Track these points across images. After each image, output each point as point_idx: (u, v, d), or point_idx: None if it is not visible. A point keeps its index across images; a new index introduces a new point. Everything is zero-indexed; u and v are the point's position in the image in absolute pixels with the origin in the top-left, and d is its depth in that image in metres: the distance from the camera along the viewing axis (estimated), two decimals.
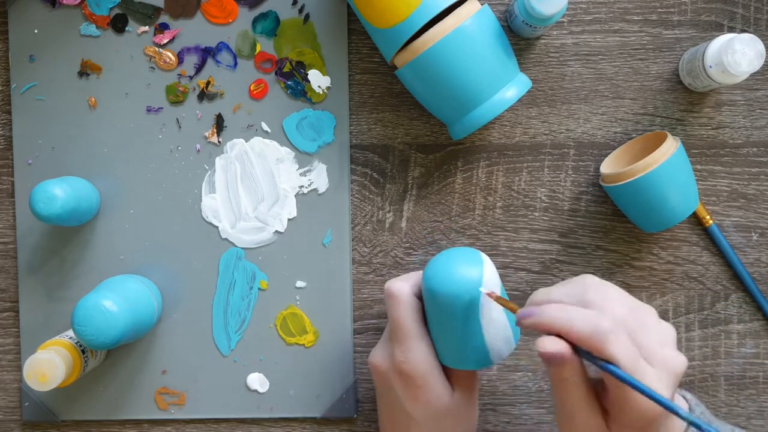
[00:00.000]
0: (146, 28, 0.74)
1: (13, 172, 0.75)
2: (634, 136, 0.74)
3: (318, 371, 0.75)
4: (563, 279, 0.75)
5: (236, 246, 0.75)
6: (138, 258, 0.75)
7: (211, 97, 0.74)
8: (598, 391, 0.58)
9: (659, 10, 0.74)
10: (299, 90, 0.74)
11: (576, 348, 0.55)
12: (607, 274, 0.75)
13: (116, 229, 0.75)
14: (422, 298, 0.65)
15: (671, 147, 0.68)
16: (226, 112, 0.74)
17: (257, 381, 0.75)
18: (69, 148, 0.74)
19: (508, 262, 0.75)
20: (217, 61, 0.74)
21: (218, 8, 0.74)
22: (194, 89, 0.74)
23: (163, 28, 0.74)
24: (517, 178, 0.75)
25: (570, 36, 0.74)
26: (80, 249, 0.75)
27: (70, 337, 0.70)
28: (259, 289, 0.75)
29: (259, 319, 0.75)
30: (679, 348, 0.75)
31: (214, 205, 0.75)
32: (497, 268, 0.75)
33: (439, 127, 0.75)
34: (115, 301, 0.66)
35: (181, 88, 0.74)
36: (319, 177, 0.74)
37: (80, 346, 0.69)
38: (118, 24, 0.74)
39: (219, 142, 0.74)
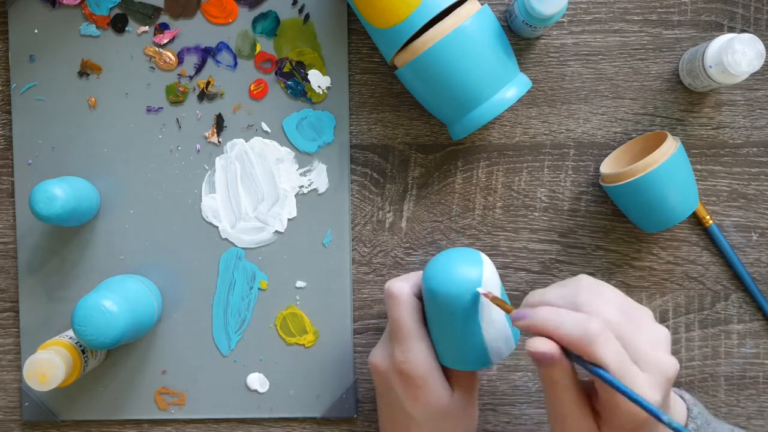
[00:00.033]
0: (146, 28, 0.74)
1: (13, 172, 0.75)
2: (634, 136, 0.74)
3: (318, 371, 0.75)
4: (563, 279, 0.75)
5: (236, 246, 0.75)
6: (138, 258, 0.75)
7: (211, 97, 0.74)
8: (590, 393, 0.58)
9: (659, 10, 0.74)
10: (299, 90, 0.74)
11: (567, 351, 0.55)
12: (607, 274, 0.75)
13: (116, 229, 0.75)
14: (422, 298, 0.65)
15: (671, 147, 0.68)
16: (226, 112, 0.74)
17: (257, 381, 0.75)
18: (69, 148, 0.74)
19: (508, 262, 0.75)
20: (217, 61, 0.74)
21: (218, 8, 0.74)
22: (194, 89, 0.74)
23: (163, 28, 0.74)
24: (517, 178, 0.75)
25: (570, 36, 0.74)
26: (80, 249, 0.75)
27: (70, 337, 0.70)
28: (259, 289, 0.75)
29: (259, 319, 0.75)
30: (679, 348, 0.75)
31: (214, 205, 0.75)
32: (497, 268, 0.75)
33: (439, 127, 0.75)
34: (115, 301, 0.66)
35: (181, 88, 0.74)
36: (319, 177, 0.74)
37: (80, 346, 0.69)
38: (118, 24, 0.74)
39: (219, 142, 0.74)
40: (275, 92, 0.74)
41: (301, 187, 0.74)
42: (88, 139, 0.74)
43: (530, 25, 0.69)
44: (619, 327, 0.56)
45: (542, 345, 0.55)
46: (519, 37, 0.74)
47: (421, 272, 0.66)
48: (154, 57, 0.74)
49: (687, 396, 0.65)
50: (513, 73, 0.68)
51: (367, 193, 0.75)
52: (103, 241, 0.75)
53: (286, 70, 0.74)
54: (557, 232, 0.75)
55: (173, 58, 0.74)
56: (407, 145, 0.75)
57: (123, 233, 0.75)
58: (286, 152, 0.74)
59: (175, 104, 0.74)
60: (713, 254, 0.75)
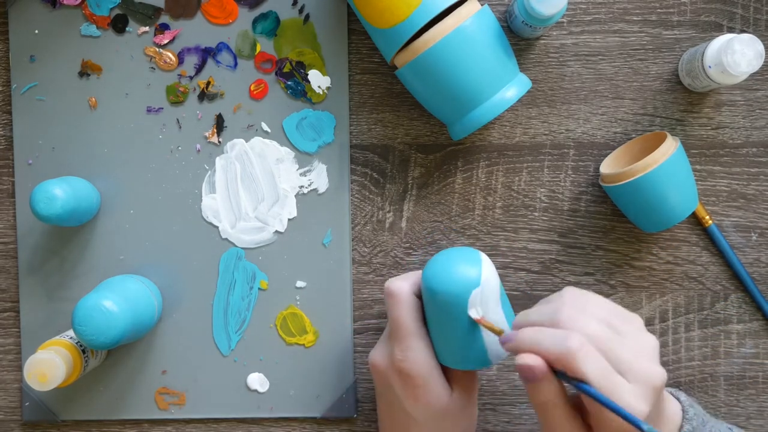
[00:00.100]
0: (146, 28, 0.74)
1: (14, 172, 0.75)
2: (633, 136, 0.75)
3: (318, 371, 0.75)
4: (563, 279, 0.75)
5: (236, 246, 0.75)
6: (138, 258, 0.75)
7: (211, 97, 0.74)
8: (583, 410, 0.58)
9: (659, 10, 0.74)
10: (299, 90, 0.74)
11: (555, 370, 0.56)
12: (607, 274, 0.75)
13: (116, 229, 0.75)
14: (422, 297, 0.65)
15: (671, 147, 0.69)
16: (226, 112, 0.74)
17: (257, 381, 0.75)
18: (69, 148, 0.74)
19: (508, 262, 0.75)
20: (217, 62, 0.74)
21: (218, 8, 0.74)
22: (194, 89, 0.74)
23: (164, 28, 0.74)
24: (517, 178, 0.75)
25: (570, 36, 0.74)
26: (80, 249, 0.75)
27: (71, 337, 0.70)
28: (259, 289, 0.75)
29: (259, 319, 0.75)
30: (679, 348, 0.75)
31: (214, 205, 0.75)
32: (497, 268, 0.75)
33: (439, 127, 0.75)
34: (115, 301, 0.66)
35: (181, 89, 0.74)
36: (319, 177, 0.74)
37: (80, 346, 0.69)
38: (119, 24, 0.74)
39: (219, 142, 0.74)
40: (275, 92, 0.74)
41: (301, 187, 0.75)
42: (88, 140, 0.74)
43: (530, 26, 0.69)
44: (601, 340, 0.56)
45: (528, 358, 0.55)
46: (519, 37, 0.74)
47: (420, 271, 0.66)
48: (155, 57, 0.74)
49: (683, 397, 0.65)
50: (513, 73, 0.68)
51: (367, 193, 0.75)
52: (103, 241, 0.75)
53: (286, 70, 0.74)
54: (557, 232, 0.75)
55: (173, 58, 0.74)
56: (407, 145, 0.75)
57: (123, 233, 0.75)
58: (286, 152, 0.74)
59: (176, 104, 0.74)
60: (713, 254, 0.75)
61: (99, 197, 0.74)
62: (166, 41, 0.74)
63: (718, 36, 0.70)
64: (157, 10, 0.74)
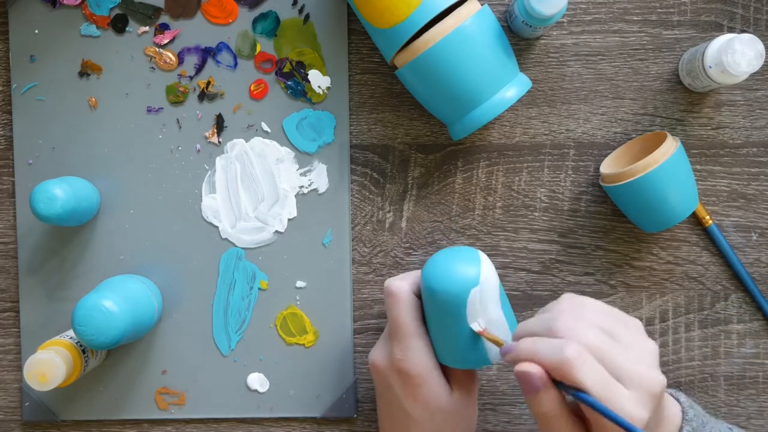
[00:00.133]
0: (146, 28, 0.74)
1: (14, 172, 0.75)
2: (634, 136, 0.74)
3: (318, 371, 0.75)
4: (563, 279, 0.75)
5: (236, 246, 0.75)
6: (138, 258, 0.75)
7: (211, 97, 0.74)
8: (584, 419, 0.58)
9: (659, 10, 0.74)
10: (299, 90, 0.74)
11: (554, 380, 0.55)
12: (607, 274, 0.75)
13: (116, 229, 0.75)
14: (421, 296, 0.65)
15: (671, 147, 0.69)
16: (226, 112, 0.74)
17: (257, 381, 0.75)
18: (69, 148, 0.74)
19: (508, 262, 0.75)
20: (217, 62, 0.74)
21: (218, 8, 0.74)
22: (194, 89, 0.74)
23: (164, 28, 0.74)
24: (517, 178, 0.75)
25: (570, 36, 0.74)
26: (80, 249, 0.75)
27: (71, 337, 0.70)
28: (259, 289, 0.75)
29: (259, 319, 0.75)
30: (679, 348, 0.75)
31: (214, 205, 0.75)
32: (497, 269, 0.75)
33: (439, 127, 0.75)
34: (115, 301, 0.66)
35: (181, 89, 0.74)
36: (319, 177, 0.74)
37: (80, 346, 0.69)
38: (119, 24, 0.74)
39: (219, 142, 0.74)
40: (275, 92, 0.74)
41: (301, 187, 0.75)
42: (88, 139, 0.74)
43: (530, 26, 0.69)
44: (599, 348, 0.55)
45: (526, 366, 0.55)
46: (519, 37, 0.74)
47: (420, 271, 0.66)
48: (155, 57, 0.74)
49: (683, 398, 0.65)
50: (513, 73, 0.68)
51: (367, 193, 0.75)
52: (103, 241, 0.75)
53: (286, 70, 0.74)
54: (557, 232, 0.75)
55: (173, 58, 0.74)
56: (407, 145, 0.75)
57: (123, 233, 0.75)
58: (286, 152, 0.74)
59: (176, 104, 0.74)
60: (713, 254, 0.75)
61: (99, 197, 0.74)
62: (166, 41, 0.74)
63: (718, 36, 0.70)
64: (157, 10, 0.74)
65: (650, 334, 0.75)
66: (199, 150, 0.74)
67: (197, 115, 0.74)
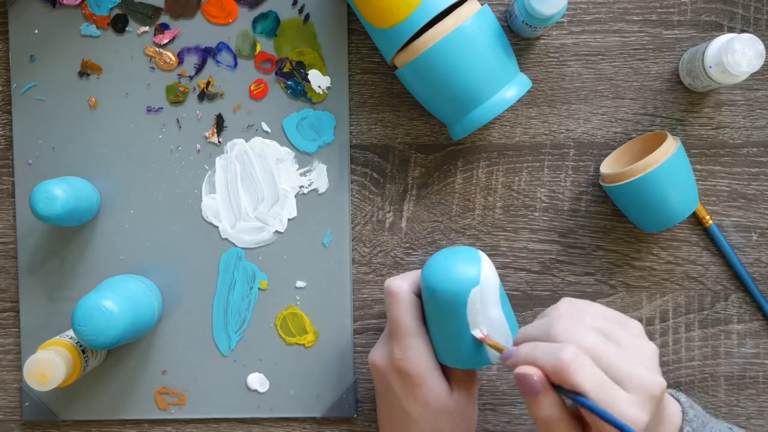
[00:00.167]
0: (146, 28, 0.74)
1: (14, 172, 0.75)
2: (634, 136, 0.74)
3: (318, 371, 0.75)
4: (563, 279, 0.75)
5: (236, 246, 0.75)
6: (138, 258, 0.75)
7: (211, 97, 0.74)
8: (585, 423, 0.58)
9: (659, 10, 0.74)
10: (299, 90, 0.74)
11: (554, 385, 0.55)
12: (607, 274, 0.75)
13: (116, 229, 0.75)
14: (421, 296, 0.65)
15: (671, 147, 0.68)
16: (226, 112, 0.74)
17: (257, 381, 0.75)
18: (69, 148, 0.74)
19: (508, 262, 0.75)
20: (217, 61, 0.74)
21: (218, 8, 0.74)
22: (194, 89, 0.74)
23: (164, 28, 0.74)
24: (517, 178, 0.75)
25: (570, 36, 0.74)
26: (80, 249, 0.75)
27: (71, 337, 0.70)
28: (259, 289, 0.75)
29: (259, 319, 0.75)
30: (679, 348, 0.75)
31: (214, 205, 0.75)
32: (497, 269, 0.75)
33: (439, 127, 0.75)
34: (115, 301, 0.66)
35: (181, 88, 0.74)
36: (319, 177, 0.74)
37: (80, 346, 0.69)
38: (119, 24, 0.74)
39: (219, 142, 0.74)
40: (275, 92, 0.74)
41: (301, 187, 0.74)
42: (88, 139, 0.74)
43: (530, 25, 0.69)
44: (598, 350, 0.55)
45: (525, 368, 0.55)
46: (519, 37, 0.74)
47: (420, 271, 0.66)
48: (155, 57, 0.74)
49: (683, 398, 0.65)
50: (513, 73, 0.68)
51: (367, 193, 0.75)
52: (103, 241, 0.75)
53: (286, 70, 0.74)
54: (557, 232, 0.75)
55: (173, 58, 0.74)
56: (407, 145, 0.75)
57: (123, 233, 0.75)
58: (286, 152, 0.74)
59: (175, 104, 0.74)
60: (713, 254, 0.75)
61: (99, 197, 0.74)
62: (166, 41, 0.74)
63: (718, 36, 0.70)
64: (157, 10, 0.74)
65: (650, 334, 0.75)
66: (199, 150, 0.74)
67: (197, 115, 0.74)
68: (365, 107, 0.75)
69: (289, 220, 0.75)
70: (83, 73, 0.74)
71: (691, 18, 0.74)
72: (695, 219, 0.75)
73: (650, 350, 0.58)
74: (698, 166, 0.74)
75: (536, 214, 0.75)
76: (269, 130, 0.74)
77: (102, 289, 0.68)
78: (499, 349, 0.60)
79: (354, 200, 0.75)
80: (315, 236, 0.75)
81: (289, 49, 0.74)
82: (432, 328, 0.64)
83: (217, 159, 0.74)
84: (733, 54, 0.66)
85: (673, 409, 0.63)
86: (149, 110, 0.74)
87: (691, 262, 0.75)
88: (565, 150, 0.75)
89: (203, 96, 0.74)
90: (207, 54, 0.74)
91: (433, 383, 0.64)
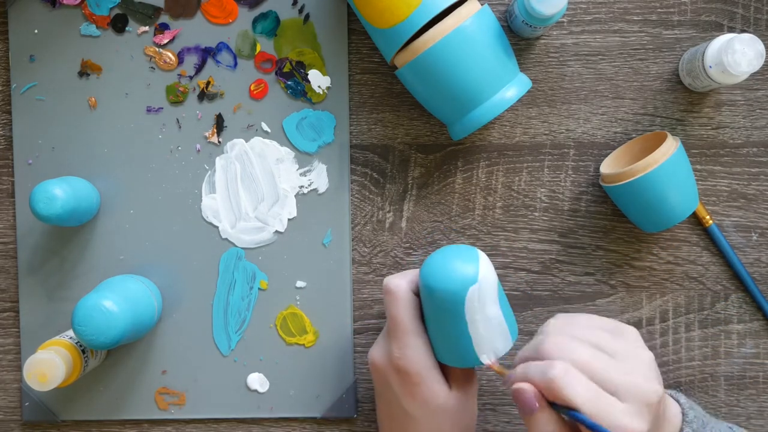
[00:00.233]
0: (146, 28, 0.74)
1: (14, 172, 0.75)
2: (634, 136, 0.74)
3: (318, 371, 0.75)
4: (563, 279, 0.75)
5: (236, 246, 0.75)
6: (138, 258, 0.75)
7: (211, 97, 0.74)
8: None
9: (659, 10, 0.74)
10: (299, 90, 0.74)
11: (551, 403, 0.56)
12: (607, 274, 0.75)
13: (116, 229, 0.75)
14: (420, 295, 0.65)
15: (671, 147, 0.68)
16: (226, 112, 0.74)
17: (257, 381, 0.75)
18: (69, 148, 0.74)
19: (508, 262, 0.75)
20: (217, 61, 0.74)
21: (218, 8, 0.74)
22: (194, 89, 0.74)
23: (163, 28, 0.74)
24: (517, 178, 0.75)
25: (570, 36, 0.74)
26: (80, 249, 0.75)
27: (70, 337, 0.70)
28: (259, 289, 0.75)
29: (259, 319, 0.75)
30: (679, 348, 0.75)
31: (214, 205, 0.75)
32: (497, 269, 0.75)
33: (439, 127, 0.75)
34: (115, 301, 0.66)
35: (181, 88, 0.74)
36: (319, 177, 0.74)
37: (80, 346, 0.69)
38: (118, 24, 0.74)
39: (219, 142, 0.74)
40: (275, 92, 0.74)
41: (301, 187, 0.74)
42: (88, 139, 0.74)
43: (530, 25, 0.69)
44: (588, 363, 0.56)
45: (520, 384, 0.56)
46: (519, 37, 0.74)
47: (419, 269, 0.66)
48: (154, 57, 0.74)
49: (683, 399, 0.65)
50: (513, 73, 0.68)
51: (367, 193, 0.75)
52: (103, 241, 0.75)
53: (286, 70, 0.74)
54: (557, 232, 0.75)
55: (173, 58, 0.74)
56: (407, 145, 0.75)
57: (123, 233, 0.75)
58: (286, 152, 0.74)
59: (175, 104, 0.74)
60: (713, 254, 0.75)
61: (99, 197, 0.74)
62: (165, 41, 0.74)
63: (718, 36, 0.70)
64: (156, 10, 0.74)
65: (650, 334, 0.75)
66: (199, 150, 0.74)
67: (197, 115, 0.74)
68: (365, 107, 0.75)
69: (289, 220, 0.75)
70: (83, 73, 0.74)
71: (691, 18, 0.74)
72: (695, 219, 0.75)
73: (646, 358, 0.58)
74: (698, 166, 0.74)
75: (536, 214, 0.75)
76: (269, 130, 0.74)
77: (102, 289, 0.68)
78: (503, 375, 0.61)
79: (354, 200, 0.75)
80: (315, 236, 0.75)
81: (289, 49, 0.74)
82: (430, 326, 0.64)
83: (217, 159, 0.74)
84: (733, 54, 0.66)
85: (673, 410, 0.63)
86: (149, 110, 0.74)
87: (691, 262, 0.75)
88: (565, 150, 0.75)
89: (203, 96, 0.74)
90: (207, 54, 0.74)
91: (432, 382, 0.64)
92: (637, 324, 0.75)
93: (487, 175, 0.75)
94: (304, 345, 0.75)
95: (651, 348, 0.74)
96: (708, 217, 0.74)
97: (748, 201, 0.74)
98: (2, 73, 0.75)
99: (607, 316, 0.72)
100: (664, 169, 0.68)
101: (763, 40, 0.74)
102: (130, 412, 0.75)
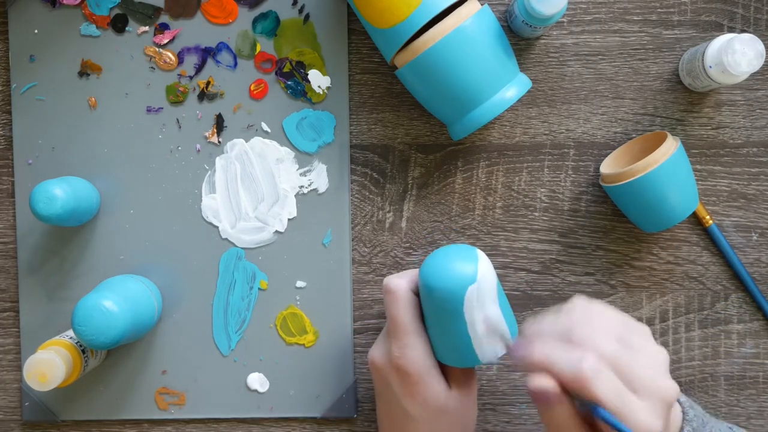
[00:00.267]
0: (146, 28, 0.74)
1: (14, 172, 0.75)
2: (634, 136, 0.74)
3: (318, 371, 0.75)
4: (563, 279, 0.75)
5: (236, 246, 0.75)
6: (138, 258, 0.75)
7: (211, 97, 0.74)
8: (594, 425, 0.58)
9: (659, 10, 0.74)
10: (299, 90, 0.74)
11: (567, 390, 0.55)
12: (607, 274, 0.75)
13: (116, 229, 0.75)
14: (419, 294, 0.65)
15: (671, 147, 0.68)
16: (226, 112, 0.74)
17: (257, 381, 0.75)
18: (69, 148, 0.74)
19: (508, 262, 0.75)
20: (217, 61, 0.74)
21: (218, 8, 0.74)
22: (194, 89, 0.74)
23: (163, 28, 0.74)
24: (517, 178, 0.75)
25: (570, 36, 0.74)
26: (80, 249, 0.75)
27: (71, 337, 0.70)
28: (259, 289, 0.75)
29: (259, 319, 0.75)
30: (679, 348, 0.75)
31: (214, 205, 0.75)
32: (497, 269, 0.75)
33: (439, 127, 0.75)
34: (115, 301, 0.66)
35: (181, 88, 0.74)
36: (319, 177, 0.74)
37: (80, 346, 0.69)
38: (118, 24, 0.74)
39: (219, 142, 0.74)
40: (275, 92, 0.74)
41: (301, 187, 0.74)
42: (88, 139, 0.74)
43: (530, 25, 0.69)
44: (615, 358, 0.55)
45: (542, 381, 0.55)
46: (519, 37, 0.74)
47: (418, 269, 0.66)
48: (154, 57, 0.74)
49: (683, 398, 0.65)
50: (513, 73, 0.68)
51: (367, 193, 0.75)
52: (103, 241, 0.75)
53: (286, 70, 0.74)
54: (557, 232, 0.75)
55: (173, 58, 0.74)
56: (407, 145, 0.75)
57: (123, 233, 0.75)
58: (286, 152, 0.74)
59: (175, 104, 0.74)
60: (713, 254, 0.75)
61: (99, 197, 0.74)
62: (165, 41, 0.74)
63: (718, 36, 0.70)
64: (156, 10, 0.74)
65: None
66: (199, 150, 0.74)
67: (197, 115, 0.74)
68: (365, 107, 0.75)
69: (289, 220, 0.75)
70: (83, 73, 0.74)
71: (691, 18, 0.74)
72: (695, 219, 0.75)
73: (662, 356, 0.57)
74: (698, 166, 0.74)
75: (536, 214, 0.75)
76: (269, 130, 0.74)
77: (102, 289, 0.68)
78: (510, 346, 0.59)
79: (354, 200, 0.75)
80: (315, 236, 0.75)
81: (289, 49, 0.74)
82: (430, 326, 0.64)
83: (217, 159, 0.74)
84: (733, 54, 0.66)
85: (673, 410, 0.63)
86: (149, 110, 0.74)
87: (691, 262, 0.75)
88: (565, 150, 0.75)
89: (203, 96, 0.74)
90: (207, 54, 0.74)
91: (431, 382, 0.64)
92: None
93: (487, 175, 0.75)
94: (304, 345, 0.75)
95: None
96: (708, 217, 0.74)
97: (748, 201, 0.74)
98: (2, 73, 0.75)
99: None
100: (664, 169, 0.68)
101: (763, 40, 0.74)
102: (130, 412, 0.75)
